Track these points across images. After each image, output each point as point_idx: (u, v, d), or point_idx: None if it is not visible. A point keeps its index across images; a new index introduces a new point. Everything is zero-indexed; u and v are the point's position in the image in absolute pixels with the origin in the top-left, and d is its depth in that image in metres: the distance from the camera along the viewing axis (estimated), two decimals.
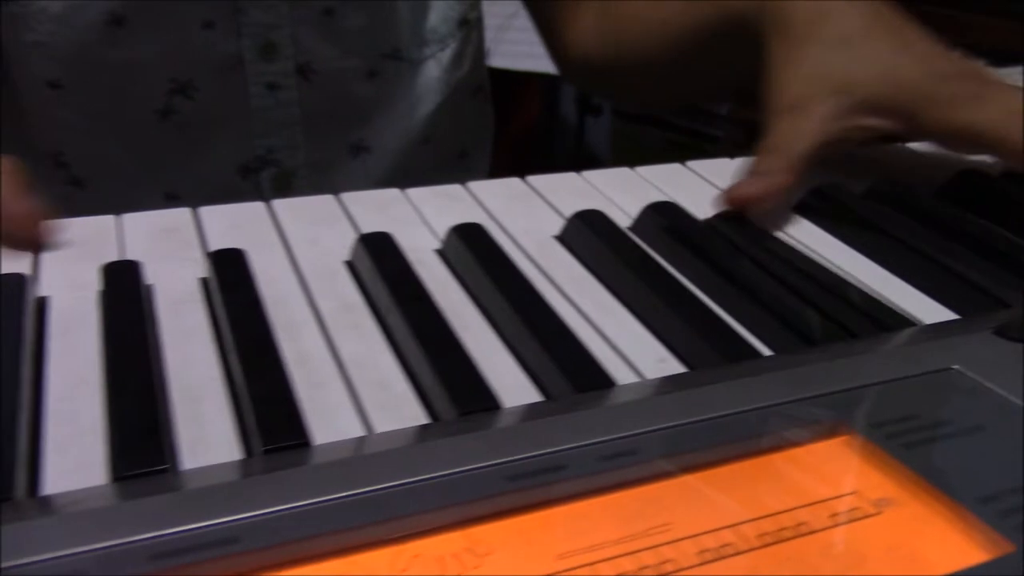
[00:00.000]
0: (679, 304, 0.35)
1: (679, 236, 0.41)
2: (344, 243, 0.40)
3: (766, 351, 0.33)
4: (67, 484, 0.25)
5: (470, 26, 0.81)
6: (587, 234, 0.40)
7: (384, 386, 0.31)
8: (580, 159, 1.87)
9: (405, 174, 0.82)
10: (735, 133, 1.44)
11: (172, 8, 0.69)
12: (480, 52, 0.86)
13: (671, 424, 0.24)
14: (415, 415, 0.30)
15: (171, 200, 0.75)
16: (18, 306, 0.32)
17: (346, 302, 0.36)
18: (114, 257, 0.37)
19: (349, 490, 0.21)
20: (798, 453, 0.25)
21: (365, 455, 0.23)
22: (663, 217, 0.42)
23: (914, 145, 0.55)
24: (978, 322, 0.32)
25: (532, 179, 0.48)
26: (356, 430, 0.29)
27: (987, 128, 0.46)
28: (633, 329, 0.36)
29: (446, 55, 0.80)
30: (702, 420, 0.24)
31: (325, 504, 0.20)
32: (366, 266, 0.37)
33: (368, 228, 0.41)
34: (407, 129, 0.81)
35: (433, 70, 0.80)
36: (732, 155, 0.52)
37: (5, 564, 0.19)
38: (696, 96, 1.04)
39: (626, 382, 0.31)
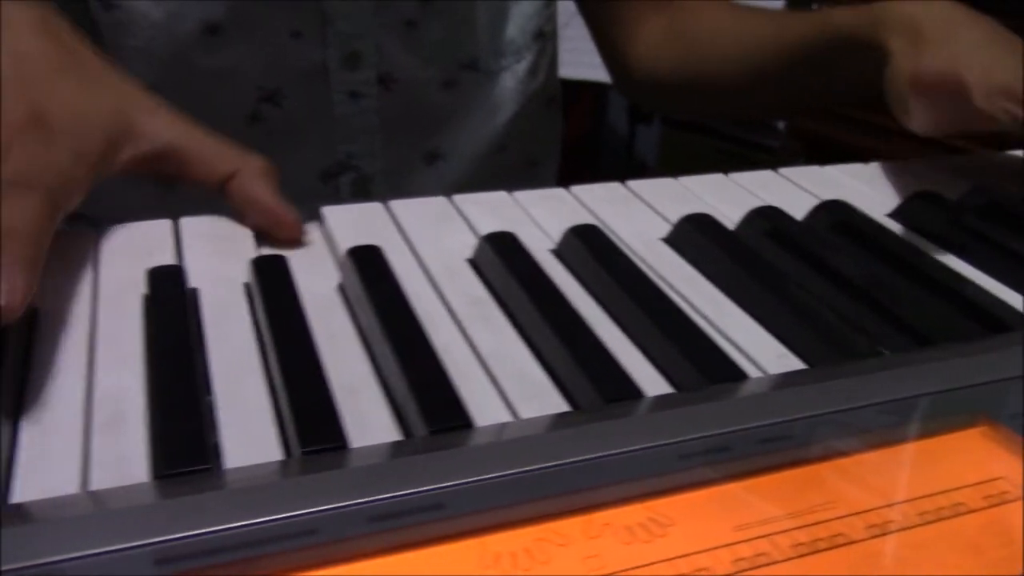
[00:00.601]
0: (794, 304, 0.37)
1: (783, 239, 0.43)
2: (463, 242, 0.42)
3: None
4: (246, 459, 0.27)
5: (545, 38, 0.83)
6: (697, 236, 0.42)
7: (523, 377, 0.33)
8: (631, 168, 1.88)
9: (477, 181, 0.83)
10: (793, 145, 1.44)
11: (263, 18, 0.71)
12: (554, 63, 0.87)
13: (828, 411, 0.25)
14: (557, 404, 0.32)
15: None
16: (179, 295, 0.34)
17: (474, 297, 0.38)
18: (250, 253, 0.40)
19: (545, 462, 0.22)
20: (941, 441, 0.26)
21: (557, 432, 0.25)
22: (767, 221, 0.44)
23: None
24: None
25: (632, 184, 0.50)
26: (504, 417, 0.31)
27: None
28: (749, 327, 0.37)
29: (522, 66, 0.82)
30: (858, 407, 0.26)
31: (526, 474, 0.22)
32: (492, 264, 0.39)
33: (484, 229, 0.43)
34: (481, 138, 0.83)
35: (509, 81, 0.81)
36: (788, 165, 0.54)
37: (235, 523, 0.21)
38: (774, 111, 1.05)
39: (753, 376, 0.33)
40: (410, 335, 0.32)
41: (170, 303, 0.33)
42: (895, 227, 0.47)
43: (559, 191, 0.49)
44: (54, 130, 0.37)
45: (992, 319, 0.35)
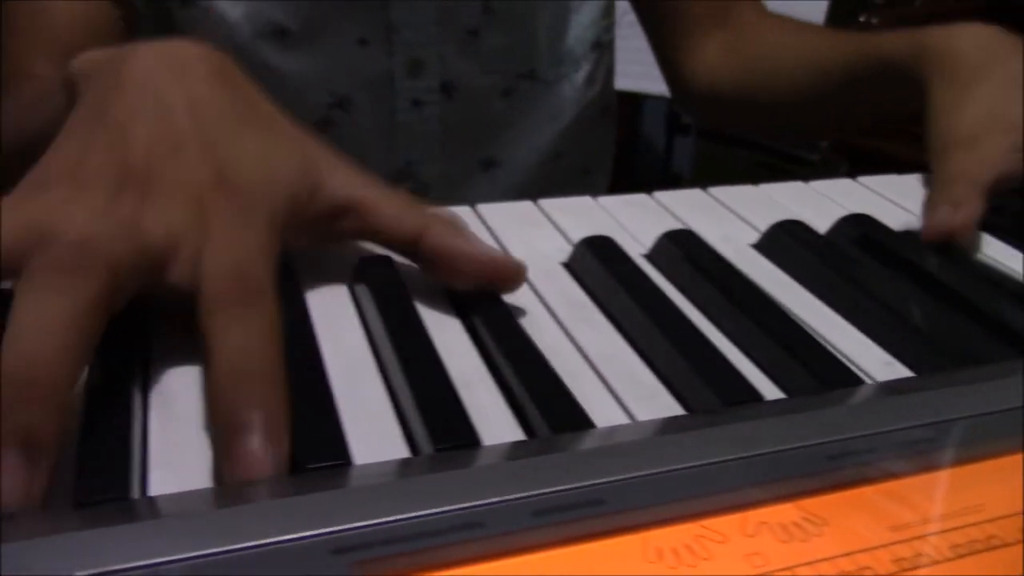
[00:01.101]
0: (897, 311, 0.37)
1: (874, 246, 0.43)
2: (555, 246, 0.43)
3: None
4: (371, 457, 0.28)
5: (603, 48, 0.84)
6: (791, 243, 0.42)
7: (634, 378, 0.33)
8: (666, 179, 1.89)
9: (531, 189, 0.84)
10: (834, 159, 1.44)
11: (331, 24, 0.72)
12: (610, 73, 0.88)
13: (970, 414, 0.25)
14: (670, 406, 0.32)
15: None
16: (296, 292, 0.34)
17: (573, 300, 0.38)
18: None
19: (701, 460, 0.23)
20: None
21: (710, 431, 0.25)
22: (857, 228, 0.44)
23: None
24: None
25: (713, 190, 0.50)
26: (619, 418, 0.31)
27: None
28: (850, 332, 0.37)
29: (580, 75, 0.82)
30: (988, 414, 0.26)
31: (683, 471, 0.22)
32: (592, 267, 0.39)
33: (574, 233, 0.43)
34: (538, 146, 0.84)
35: (566, 90, 0.82)
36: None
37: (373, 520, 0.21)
38: (827, 130, 1.05)
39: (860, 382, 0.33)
40: (517, 338, 0.33)
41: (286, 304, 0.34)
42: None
43: (642, 197, 0.49)
44: (241, 190, 0.33)
45: None
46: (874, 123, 0.84)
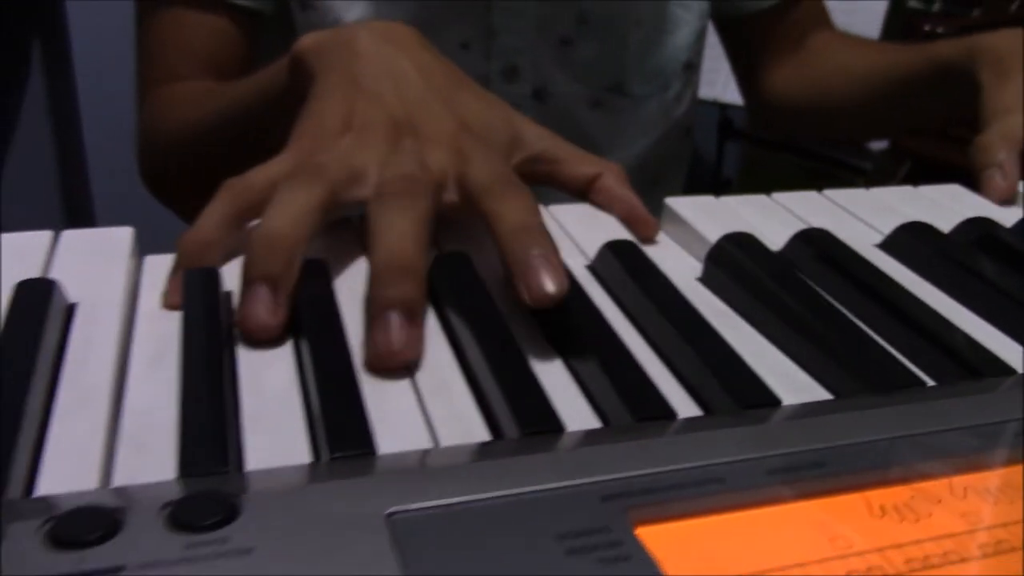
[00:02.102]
0: None
1: (995, 247, 0.45)
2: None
3: None
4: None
5: (693, 69, 0.87)
6: (917, 243, 0.45)
7: (786, 375, 0.36)
8: (717, 184, 1.91)
9: None
10: (890, 165, 1.46)
11: (440, 27, 0.75)
12: (695, 93, 0.91)
13: None
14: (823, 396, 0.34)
15: None
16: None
17: (715, 309, 0.41)
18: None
19: (913, 430, 0.25)
20: None
21: (920, 404, 0.28)
22: (979, 229, 0.46)
23: None
24: None
25: (830, 192, 0.53)
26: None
27: None
28: (985, 328, 0.40)
29: (668, 95, 0.85)
30: None
31: (896, 439, 0.25)
32: (737, 265, 0.42)
33: (711, 234, 0.45)
34: (622, 158, 0.87)
35: (654, 107, 0.85)
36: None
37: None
38: (881, 131, 1.12)
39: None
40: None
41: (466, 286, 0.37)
42: None
43: (762, 198, 0.52)
44: (480, 134, 0.43)
45: None
46: (931, 120, 0.92)
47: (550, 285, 0.34)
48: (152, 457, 0.29)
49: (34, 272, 0.39)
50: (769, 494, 0.24)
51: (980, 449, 0.26)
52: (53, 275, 0.38)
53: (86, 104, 1.87)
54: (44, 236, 0.42)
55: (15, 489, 0.26)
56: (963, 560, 0.22)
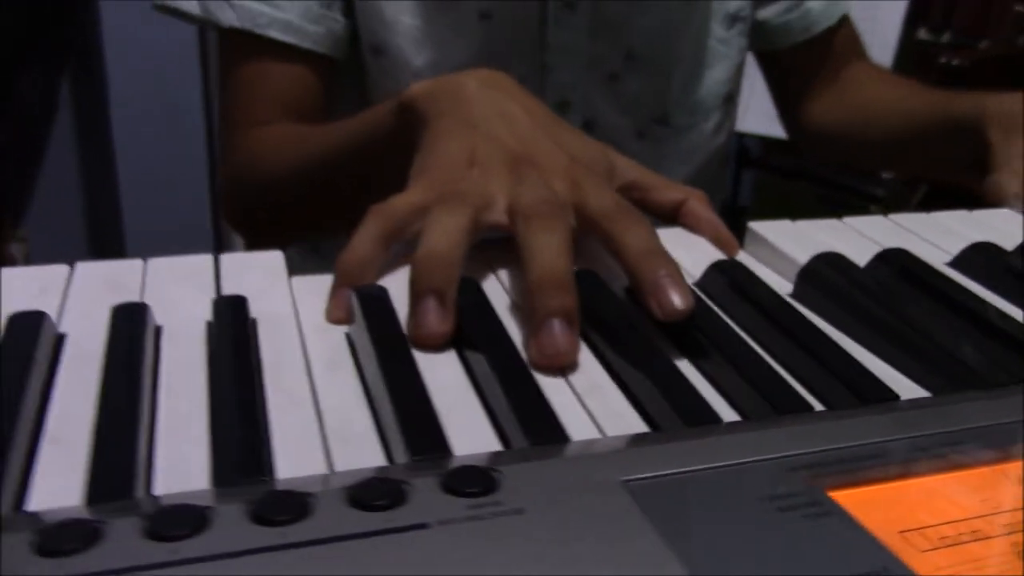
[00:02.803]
0: None
1: None
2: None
3: None
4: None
5: (732, 101, 0.92)
6: (985, 261, 0.50)
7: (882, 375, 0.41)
8: (735, 211, 1.97)
9: None
10: (905, 192, 1.52)
11: (500, 66, 0.80)
12: (733, 123, 0.97)
13: None
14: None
15: None
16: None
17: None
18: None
19: None
20: None
21: None
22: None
23: None
24: None
25: (893, 217, 0.58)
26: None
27: None
28: None
29: (709, 125, 0.91)
30: None
31: None
32: (827, 281, 0.47)
33: (799, 255, 0.50)
34: None
35: (696, 137, 0.91)
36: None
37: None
38: (912, 167, 1.18)
39: None
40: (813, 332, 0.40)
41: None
42: None
43: (833, 221, 0.57)
44: (588, 166, 0.48)
45: None
46: (941, 165, 0.96)
47: (679, 301, 0.40)
48: (357, 447, 0.34)
49: (209, 292, 0.43)
50: (923, 466, 0.29)
51: None
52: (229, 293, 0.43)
53: (119, 134, 1.92)
54: (205, 259, 0.47)
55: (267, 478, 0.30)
56: None
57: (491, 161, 0.47)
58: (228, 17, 0.74)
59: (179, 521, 0.24)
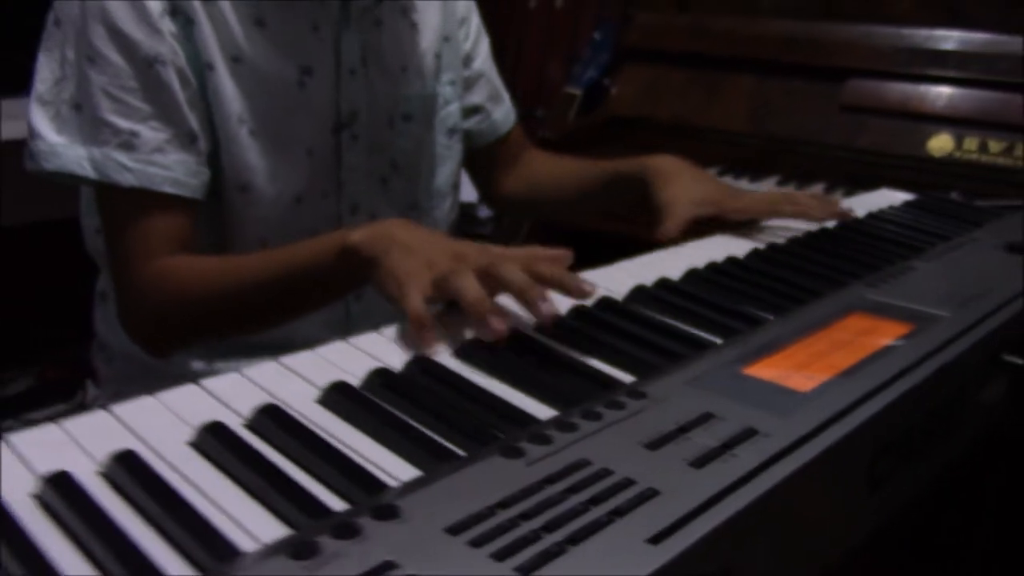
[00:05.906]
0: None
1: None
2: None
3: None
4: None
5: (457, 187, 1.28)
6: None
7: None
8: None
9: None
10: (512, 224, 1.99)
11: (322, 191, 1.07)
12: (457, 201, 1.32)
13: None
14: None
15: None
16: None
17: None
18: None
19: None
20: None
21: None
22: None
23: None
24: None
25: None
26: None
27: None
28: None
29: (446, 205, 1.25)
30: None
31: None
32: None
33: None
34: None
35: (438, 214, 1.24)
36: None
37: None
38: (581, 216, 1.68)
39: None
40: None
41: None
42: None
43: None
44: (479, 251, 0.76)
45: None
46: (609, 210, 1.50)
47: (546, 310, 0.71)
48: None
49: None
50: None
51: None
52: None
53: None
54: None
55: None
56: None
57: (436, 261, 0.75)
58: (127, 179, 0.90)
59: None
